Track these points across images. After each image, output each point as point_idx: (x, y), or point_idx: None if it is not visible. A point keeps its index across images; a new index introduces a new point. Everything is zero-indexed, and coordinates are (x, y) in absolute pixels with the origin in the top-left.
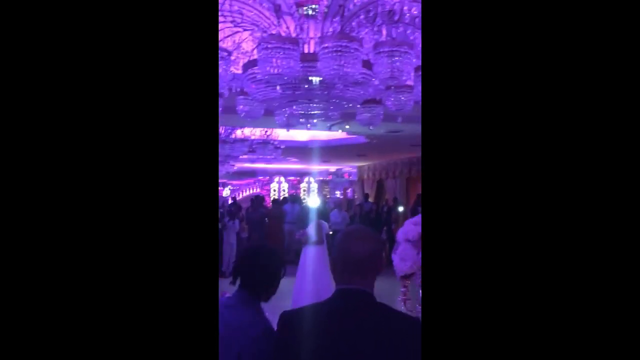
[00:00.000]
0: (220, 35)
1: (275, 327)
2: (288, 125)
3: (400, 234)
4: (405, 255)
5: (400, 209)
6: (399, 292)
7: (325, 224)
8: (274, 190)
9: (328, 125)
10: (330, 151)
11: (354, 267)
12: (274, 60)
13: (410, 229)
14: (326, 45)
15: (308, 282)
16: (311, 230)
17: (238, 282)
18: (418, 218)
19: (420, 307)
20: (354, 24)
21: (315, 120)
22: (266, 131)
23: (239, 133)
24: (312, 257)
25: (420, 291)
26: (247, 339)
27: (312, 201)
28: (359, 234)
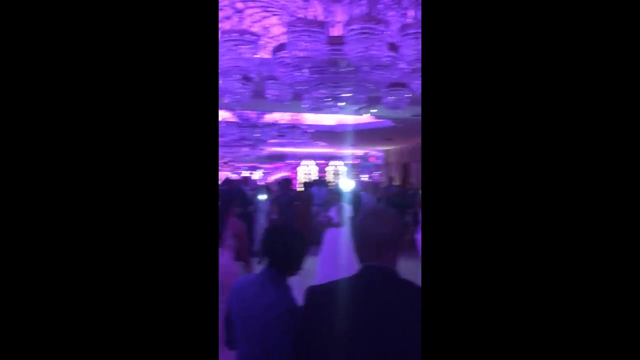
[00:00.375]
0: (249, 20)
1: (300, 303)
2: (315, 109)
3: None
4: None
5: None
6: None
7: (348, 207)
8: (303, 174)
9: (355, 109)
10: (358, 135)
11: (377, 245)
12: (301, 43)
13: None
14: (353, 27)
15: (330, 263)
16: (334, 212)
17: (265, 260)
18: None
19: None
20: (380, 6)
21: (341, 104)
22: (295, 115)
23: (268, 117)
24: (334, 239)
25: None
26: (271, 315)
27: (345, 184)
28: (381, 214)
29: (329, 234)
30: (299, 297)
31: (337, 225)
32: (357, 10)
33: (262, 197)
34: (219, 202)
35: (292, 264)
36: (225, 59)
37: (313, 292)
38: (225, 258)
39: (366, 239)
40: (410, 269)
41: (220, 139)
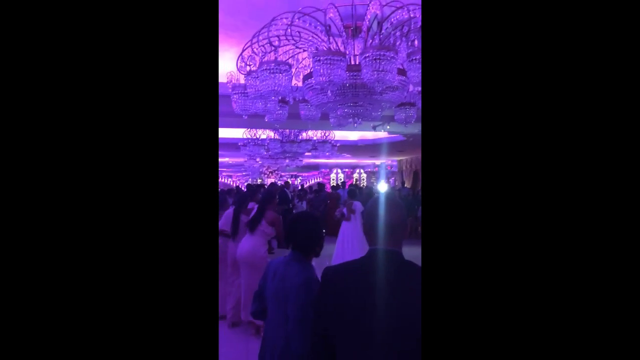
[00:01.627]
0: (283, 55)
1: (318, 280)
2: (339, 125)
3: None
4: None
5: None
6: None
7: (358, 204)
8: (333, 179)
9: (372, 126)
10: (376, 148)
11: (385, 230)
12: (325, 70)
13: None
14: (367, 54)
15: (344, 249)
16: (346, 209)
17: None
18: None
19: None
20: (391, 40)
21: (360, 120)
22: (325, 133)
23: (304, 135)
24: (346, 230)
25: None
26: (292, 286)
27: (381, 187)
28: (388, 202)
29: (344, 226)
30: (318, 275)
31: (347, 219)
32: (371, 41)
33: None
34: (261, 198)
35: (312, 247)
36: (264, 84)
37: (328, 271)
38: (256, 240)
39: (374, 224)
40: (416, 256)
41: (266, 153)
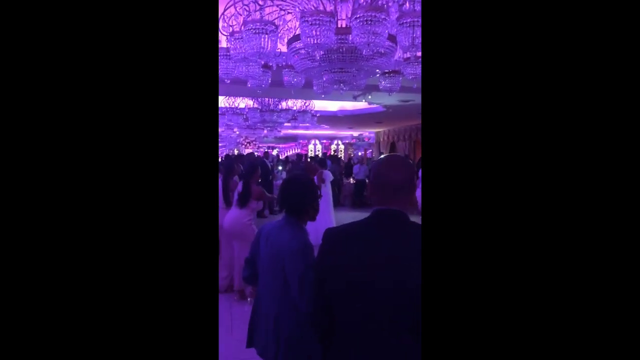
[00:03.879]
0: (268, 17)
1: (314, 242)
2: (324, 93)
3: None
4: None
5: None
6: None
7: (328, 173)
8: (311, 151)
9: (354, 96)
10: (354, 119)
11: (391, 191)
12: (313, 31)
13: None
14: (358, 15)
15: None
16: (316, 178)
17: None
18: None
19: None
20: (379, 2)
21: (345, 87)
22: (305, 102)
23: (283, 105)
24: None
25: None
26: (290, 253)
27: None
28: (396, 162)
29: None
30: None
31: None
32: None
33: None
34: (244, 172)
35: (306, 209)
36: (249, 46)
37: (330, 232)
38: (242, 212)
39: (383, 185)
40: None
41: (245, 122)
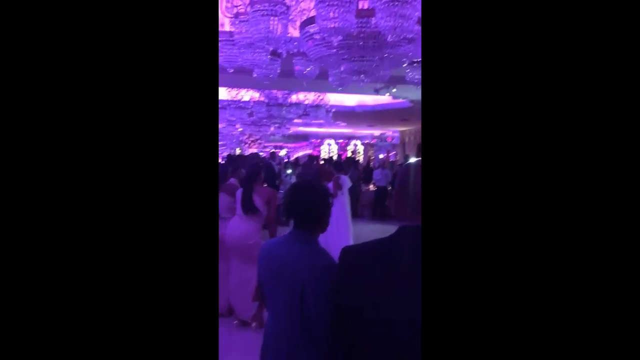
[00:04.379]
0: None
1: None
2: (340, 85)
3: None
4: None
5: None
6: None
7: (346, 179)
8: (324, 152)
9: (375, 89)
10: (376, 115)
11: (416, 201)
12: (331, 13)
13: None
14: None
15: (332, 227)
16: (332, 184)
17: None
18: None
19: None
20: None
21: (366, 78)
22: (319, 96)
23: (293, 98)
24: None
25: None
26: (311, 275)
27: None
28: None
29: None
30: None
31: (332, 195)
32: None
33: (289, 171)
34: (245, 175)
35: (320, 220)
36: (255, 30)
37: (348, 253)
38: (250, 224)
39: (406, 195)
40: None
41: (249, 118)
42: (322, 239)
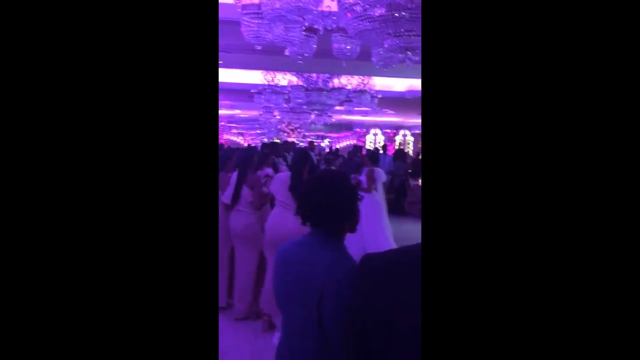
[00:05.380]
0: None
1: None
2: (385, 65)
3: None
4: None
5: None
6: None
7: (381, 171)
8: (370, 142)
9: None
10: None
11: None
12: None
13: None
14: None
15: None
16: (363, 176)
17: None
18: None
19: None
20: None
21: (414, 56)
22: (363, 79)
23: (335, 82)
24: (363, 205)
25: None
26: (331, 280)
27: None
28: None
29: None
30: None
31: (368, 190)
32: None
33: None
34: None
35: (341, 221)
36: (286, 1)
37: (369, 262)
38: (279, 213)
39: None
40: None
41: (286, 104)
42: (357, 242)
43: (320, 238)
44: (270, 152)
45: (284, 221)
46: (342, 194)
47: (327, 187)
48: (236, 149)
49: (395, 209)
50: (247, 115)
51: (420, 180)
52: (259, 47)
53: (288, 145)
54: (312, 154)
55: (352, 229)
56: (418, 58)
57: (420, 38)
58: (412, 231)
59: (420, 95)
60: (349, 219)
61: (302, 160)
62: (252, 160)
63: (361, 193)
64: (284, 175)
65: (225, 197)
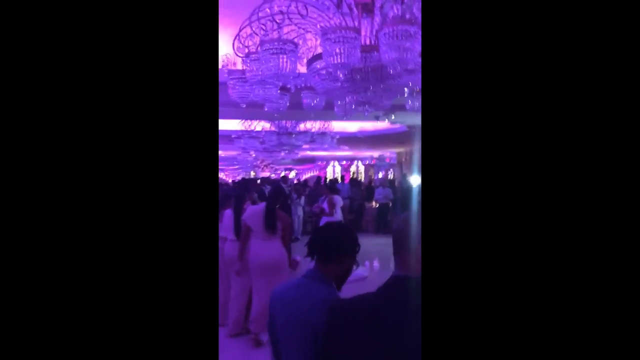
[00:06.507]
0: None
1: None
2: (345, 115)
3: None
4: None
5: None
6: None
7: (339, 198)
8: (329, 173)
9: (375, 116)
10: (375, 140)
11: (414, 251)
12: (337, 49)
13: None
14: (387, 30)
15: None
16: (324, 204)
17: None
18: None
19: None
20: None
21: (370, 108)
22: (324, 124)
23: (301, 127)
24: None
25: None
26: (324, 316)
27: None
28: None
29: (323, 222)
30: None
31: (329, 214)
32: (392, 13)
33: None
34: (269, 197)
35: (339, 257)
36: (266, 67)
37: (337, 307)
38: (277, 245)
39: (404, 244)
40: None
41: (261, 145)
42: None
43: (318, 274)
44: (251, 188)
45: (264, 249)
46: (341, 241)
47: (330, 235)
48: (224, 184)
49: (355, 226)
50: (225, 154)
51: (373, 203)
52: (244, 105)
53: (265, 181)
54: (284, 185)
55: (351, 264)
56: (372, 109)
57: (374, 94)
58: (368, 244)
59: (369, 134)
60: (349, 254)
61: (276, 195)
62: (244, 195)
63: (324, 217)
64: (258, 207)
65: (227, 231)
